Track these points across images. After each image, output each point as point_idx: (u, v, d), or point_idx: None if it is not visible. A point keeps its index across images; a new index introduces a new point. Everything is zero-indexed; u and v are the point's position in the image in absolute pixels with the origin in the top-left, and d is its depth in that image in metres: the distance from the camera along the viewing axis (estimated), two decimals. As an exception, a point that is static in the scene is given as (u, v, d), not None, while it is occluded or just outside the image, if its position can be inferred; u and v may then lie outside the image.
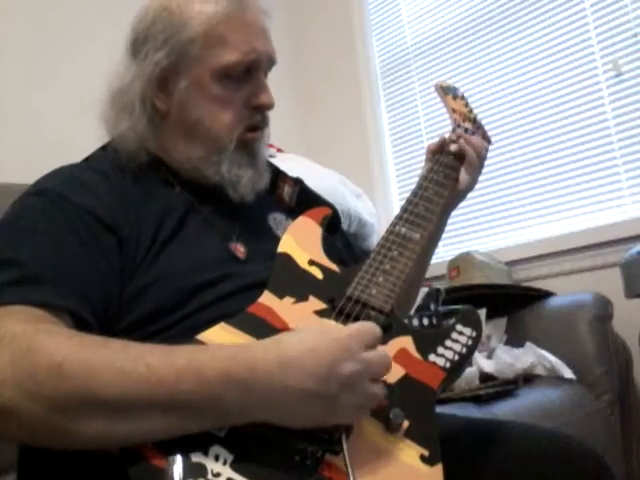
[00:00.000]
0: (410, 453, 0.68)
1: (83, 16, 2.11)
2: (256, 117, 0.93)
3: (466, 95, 1.14)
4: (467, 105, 1.10)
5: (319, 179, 1.18)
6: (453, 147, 0.99)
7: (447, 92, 1.11)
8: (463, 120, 1.05)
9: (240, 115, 0.91)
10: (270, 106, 0.93)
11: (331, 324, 0.75)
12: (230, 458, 0.62)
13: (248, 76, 0.91)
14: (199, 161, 0.91)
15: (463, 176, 1.00)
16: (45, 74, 2.00)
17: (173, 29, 0.89)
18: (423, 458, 0.68)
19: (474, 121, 1.07)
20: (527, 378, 1.66)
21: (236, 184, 0.91)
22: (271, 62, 0.94)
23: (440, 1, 2.42)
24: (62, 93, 1.99)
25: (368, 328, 0.67)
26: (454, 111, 1.07)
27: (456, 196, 1.02)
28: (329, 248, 0.91)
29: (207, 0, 0.89)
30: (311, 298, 0.81)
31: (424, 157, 1.04)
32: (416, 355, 0.77)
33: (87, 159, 0.94)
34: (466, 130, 1.03)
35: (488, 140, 1.07)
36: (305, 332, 0.66)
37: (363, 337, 0.66)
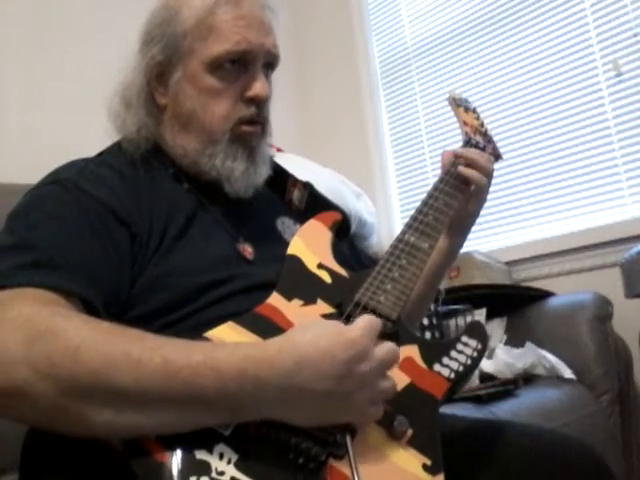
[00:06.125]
0: (413, 462, 0.69)
1: (85, 15, 2.11)
2: (250, 109, 0.91)
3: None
4: (478, 118, 1.09)
5: (319, 179, 1.17)
6: (460, 169, 0.96)
7: (459, 104, 1.10)
8: (474, 133, 1.04)
9: (233, 107, 0.90)
10: (263, 97, 0.91)
11: (338, 323, 0.74)
12: (235, 457, 0.63)
13: (244, 68, 0.91)
14: (195, 154, 0.91)
15: (471, 198, 0.98)
16: (46, 74, 2.00)
17: (167, 23, 0.91)
18: (425, 467, 0.68)
19: (485, 134, 1.06)
20: (527, 378, 1.66)
21: (229, 177, 0.91)
22: (270, 56, 0.93)
23: (440, 1, 2.43)
24: (63, 93, 1.99)
25: (374, 324, 0.67)
26: (465, 124, 1.05)
27: (466, 215, 1.01)
28: (337, 253, 0.91)
29: None
30: (319, 302, 0.81)
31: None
32: (421, 364, 0.77)
33: (101, 154, 0.95)
34: (477, 143, 1.02)
35: (498, 155, 1.05)
36: (317, 330, 0.66)
37: (372, 334, 0.66)
